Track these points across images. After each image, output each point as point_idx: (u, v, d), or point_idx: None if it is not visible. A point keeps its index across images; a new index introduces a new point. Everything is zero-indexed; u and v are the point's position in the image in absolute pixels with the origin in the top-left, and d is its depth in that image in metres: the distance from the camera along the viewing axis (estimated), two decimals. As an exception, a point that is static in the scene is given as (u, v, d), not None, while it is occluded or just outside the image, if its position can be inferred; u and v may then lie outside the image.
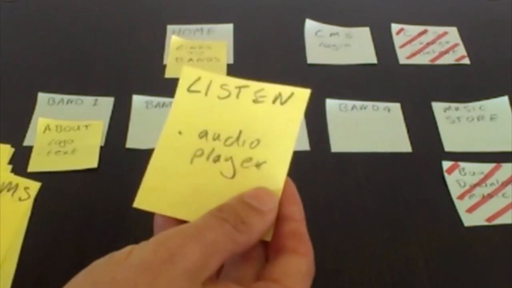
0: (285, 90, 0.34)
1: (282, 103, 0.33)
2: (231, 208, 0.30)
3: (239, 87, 0.34)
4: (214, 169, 0.33)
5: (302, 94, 0.34)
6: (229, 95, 0.34)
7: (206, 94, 0.34)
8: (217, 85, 0.34)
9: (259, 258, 0.32)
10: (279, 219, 0.31)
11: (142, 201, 0.33)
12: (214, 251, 0.28)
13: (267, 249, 0.32)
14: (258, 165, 0.33)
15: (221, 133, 0.33)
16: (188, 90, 0.34)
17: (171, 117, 0.34)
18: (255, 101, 0.34)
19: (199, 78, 0.34)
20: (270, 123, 0.33)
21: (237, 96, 0.34)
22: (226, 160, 0.33)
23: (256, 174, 0.32)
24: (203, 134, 0.33)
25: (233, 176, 0.33)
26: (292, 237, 0.31)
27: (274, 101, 0.33)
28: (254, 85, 0.34)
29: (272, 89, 0.34)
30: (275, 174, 0.32)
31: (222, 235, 0.29)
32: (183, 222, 0.32)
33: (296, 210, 0.32)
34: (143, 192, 0.33)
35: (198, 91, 0.34)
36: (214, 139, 0.33)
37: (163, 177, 0.33)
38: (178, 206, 0.33)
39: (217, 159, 0.33)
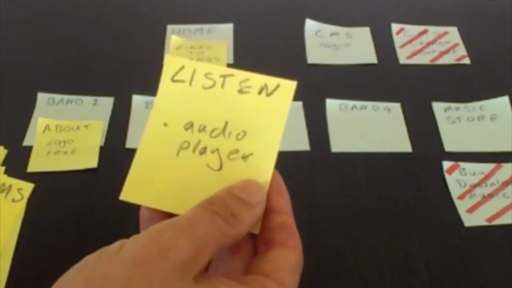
0: (271, 81, 0.33)
1: (268, 95, 0.33)
2: (221, 201, 0.30)
3: (224, 76, 0.34)
4: (200, 161, 0.33)
5: (289, 86, 0.33)
6: (214, 85, 0.34)
7: (190, 83, 0.34)
8: (201, 74, 0.34)
9: (248, 251, 0.32)
10: (267, 212, 0.32)
11: (129, 193, 0.33)
12: (205, 245, 0.28)
13: (256, 242, 0.32)
14: (245, 157, 0.32)
15: (207, 125, 0.33)
16: (172, 79, 0.34)
17: (155, 108, 0.34)
18: (240, 91, 0.33)
19: (183, 67, 0.34)
20: (257, 114, 0.33)
21: (222, 86, 0.33)
22: (213, 152, 0.33)
23: (243, 166, 0.32)
24: (189, 126, 0.33)
25: (220, 169, 0.32)
26: (281, 230, 0.31)
27: (260, 92, 0.33)
28: (239, 74, 0.34)
29: (257, 79, 0.34)
30: (262, 167, 0.32)
31: (212, 229, 0.29)
32: (170, 215, 0.32)
33: (284, 203, 0.32)
34: (129, 184, 0.33)
35: (182, 81, 0.34)
36: (200, 131, 0.33)
37: (149, 169, 0.33)
38: (164, 199, 0.33)
39: (203, 151, 0.33)
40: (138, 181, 0.33)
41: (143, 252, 0.27)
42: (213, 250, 0.29)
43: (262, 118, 0.33)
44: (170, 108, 0.34)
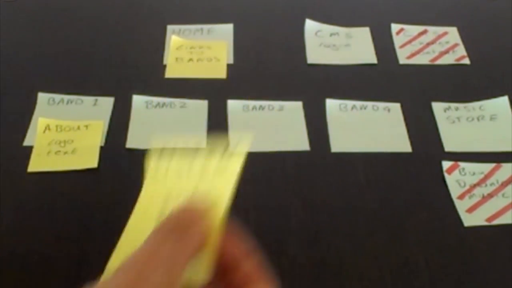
0: (230, 144, 0.35)
1: (226, 158, 0.35)
2: (170, 218, 0.31)
3: (196, 147, 0.35)
4: None
5: (242, 148, 0.35)
6: (187, 158, 0.35)
7: (170, 160, 0.35)
8: (178, 150, 0.36)
9: None
10: (234, 266, 0.32)
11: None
12: (173, 265, 0.29)
13: None
14: None
15: (181, 197, 0.34)
16: (157, 159, 0.36)
17: (145, 188, 0.35)
18: (207, 159, 0.35)
19: (165, 145, 0.36)
20: (216, 176, 0.34)
21: (194, 158, 0.35)
22: None
23: None
24: (166, 201, 0.34)
25: None
26: (251, 275, 0.32)
27: (220, 158, 0.35)
28: (209, 145, 0.35)
29: (221, 146, 0.35)
30: (217, 216, 0.33)
31: (174, 246, 0.29)
32: None
33: (243, 249, 0.33)
34: (113, 262, 0.34)
35: (164, 158, 0.36)
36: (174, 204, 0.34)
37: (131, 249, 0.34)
38: None
39: None
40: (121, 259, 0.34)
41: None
42: (183, 266, 0.29)
43: (221, 179, 0.34)
44: (154, 187, 0.35)
